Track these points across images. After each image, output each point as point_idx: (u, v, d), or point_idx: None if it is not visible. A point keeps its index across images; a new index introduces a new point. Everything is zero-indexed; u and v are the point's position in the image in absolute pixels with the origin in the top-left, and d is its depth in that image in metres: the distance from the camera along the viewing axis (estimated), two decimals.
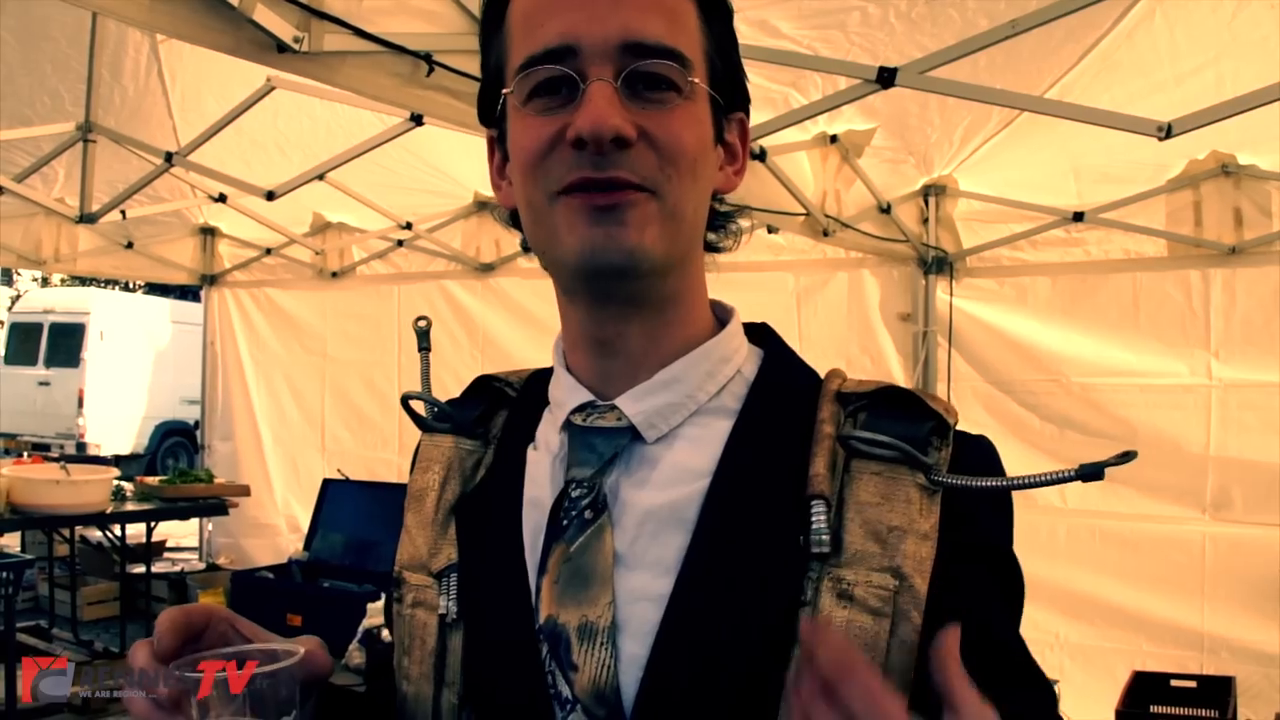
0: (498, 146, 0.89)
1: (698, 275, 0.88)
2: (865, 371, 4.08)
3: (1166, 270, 4.16)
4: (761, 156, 3.41)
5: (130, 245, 6.11)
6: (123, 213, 5.05)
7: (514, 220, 0.88)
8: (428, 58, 2.33)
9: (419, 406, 0.97)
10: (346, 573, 5.09)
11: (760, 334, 0.92)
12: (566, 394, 0.87)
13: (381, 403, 6.18)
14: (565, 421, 0.86)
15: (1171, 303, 4.16)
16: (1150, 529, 4.17)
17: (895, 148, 3.99)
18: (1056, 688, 3.60)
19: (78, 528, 6.16)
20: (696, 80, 0.80)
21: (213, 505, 5.94)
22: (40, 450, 11.97)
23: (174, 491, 5.75)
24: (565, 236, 0.79)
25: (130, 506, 5.58)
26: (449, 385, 1.03)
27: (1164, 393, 4.15)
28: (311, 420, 6.60)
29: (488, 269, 5.74)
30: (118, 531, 5.92)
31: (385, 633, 0.99)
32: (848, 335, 4.77)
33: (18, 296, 17.32)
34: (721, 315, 0.91)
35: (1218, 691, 3.72)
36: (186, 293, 14.24)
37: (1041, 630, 4.17)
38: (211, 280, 6.84)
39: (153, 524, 5.91)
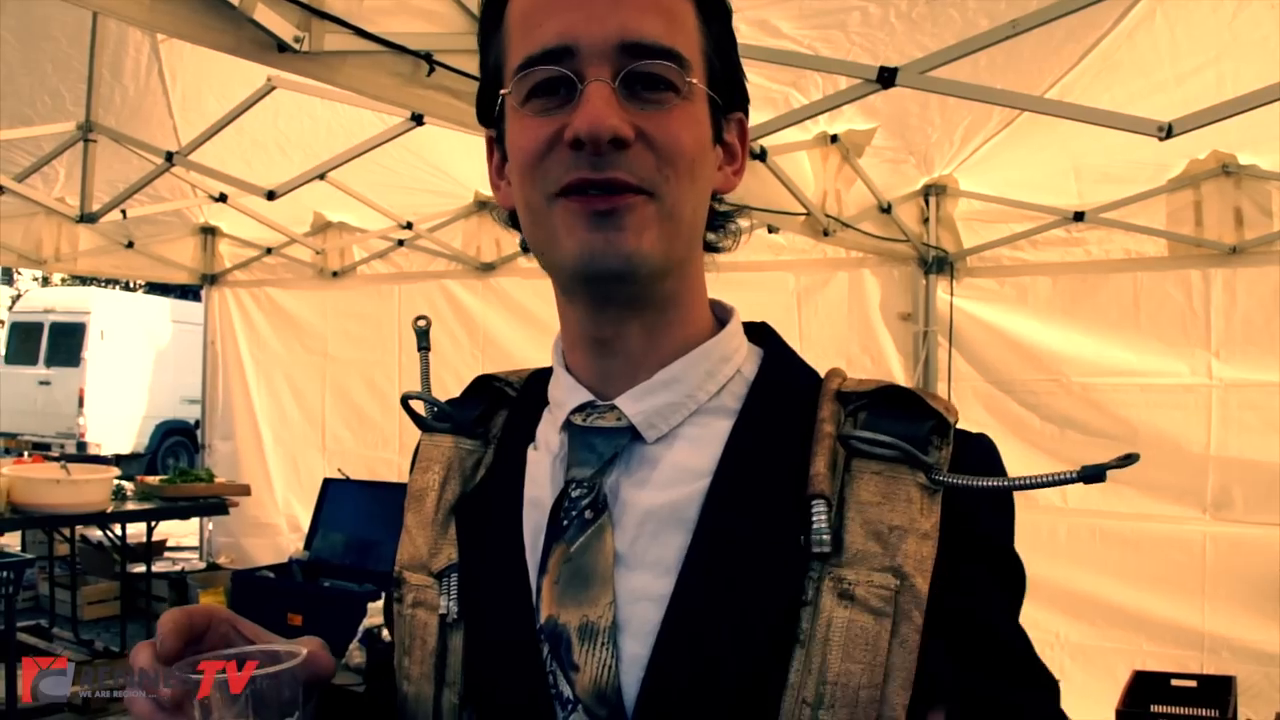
0: (496, 147, 0.89)
1: (697, 275, 0.88)
2: (866, 371, 4.08)
3: (1167, 270, 4.16)
4: (762, 156, 3.41)
5: (131, 245, 6.12)
6: (123, 212, 5.05)
7: (513, 220, 0.88)
8: (428, 57, 2.33)
9: (419, 406, 0.97)
10: (347, 572, 5.10)
11: (760, 333, 0.92)
12: (566, 394, 0.87)
13: (382, 402, 6.18)
14: (565, 421, 0.86)
15: (1172, 302, 4.15)
16: (1151, 528, 4.17)
17: (896, 147, 3.99)
18: None
19: (78, 527, 6.16)
20: (694, 81, 0.80)
21: (213, 505, 5.95)
22: (41, 450, 11.98)
23: (174, 491, 5.75)
24: (564, 240, 0.79)
25: (131, 506, 5.58)
26: (449, 385, 1.03)
27: (1165, 392, 4.15)
28: (312, 420, 6.60)
29: (488, 268, 5.74)
30: (118, 531, 5.93)
31: (385, 632, 0.99)
32: (848, 335, 4.77)
33: (18, 296, 17.34)
34: (721, 315, 0.91)
35: (1218, 691, 3.72)
36: (187, 292, 14.25)
37: (1042, 630, 4.17)
38: (212, 280, 6.84)
39: (153, 523, 5.91)
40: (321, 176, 4.51)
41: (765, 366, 0.89)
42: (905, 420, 0.81)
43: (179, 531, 7.97)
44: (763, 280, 4.72)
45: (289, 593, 5.00)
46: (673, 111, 0.79)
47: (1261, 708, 3.85)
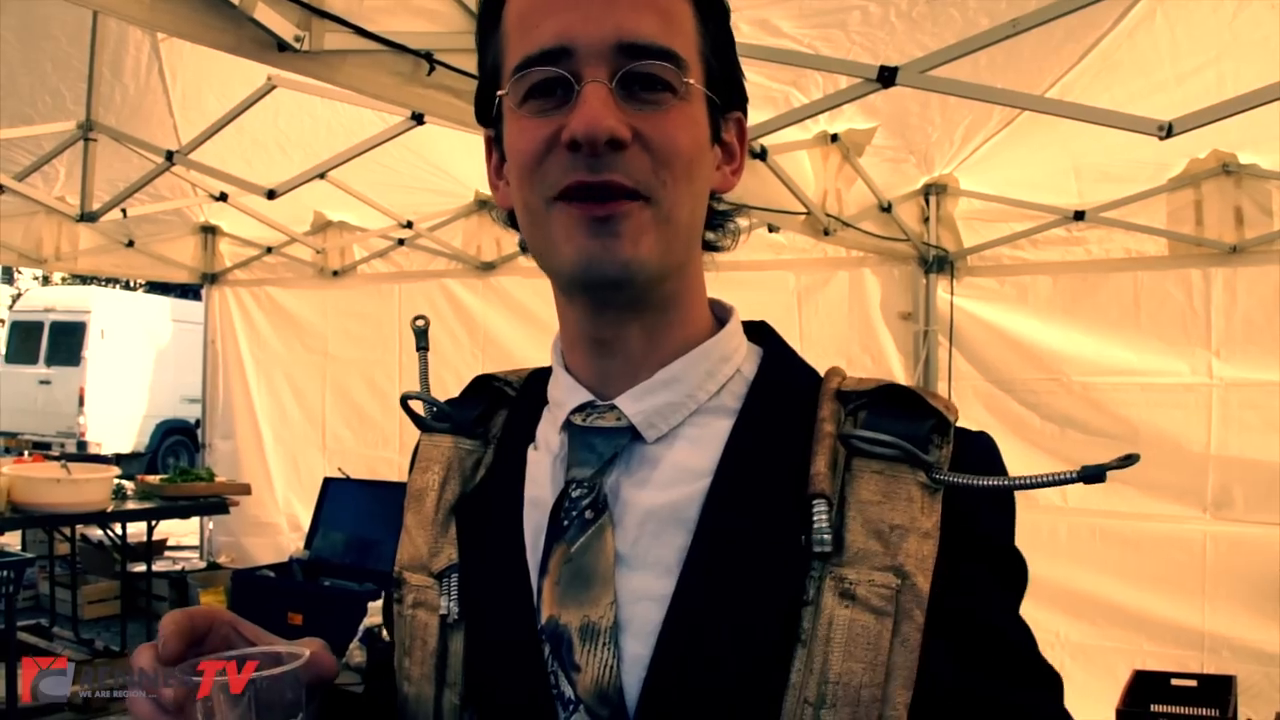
0: (495, 147, 0.89)
1: (696, 276, 0.88)
2: (866, 370, 4.08)
3: (1167, 269, 4.16)
4: (762, 155, 3.41)
5: (131, 244, 6.12)
6: (123, 211, 5.04)
7: (511, 220, 0.88)
8: (429, 56, 2.33)
9: (418, 406, 0.97)
10: (347, 571, 5.10)
11: (759, 332, 0.92)
12: (566, 394, 0.87)
13: (382, 401, 6.18)
14: (565, 421, 0.86)
15: (1172, 302, 4.15)
16: (1151, 528, 4.16)
17: (896, 147, 3.99)
18: None
19: (78, 526, 6.16)
20: (692, 81, 0.80)
21: (213, 504, 5.95)
22: (41, 449, 11.99)
23: (175, 490, 5.75)
24: (562, 245, 0.79)
25: (131, 505, 5.59)
26: (450, 384, 1.03)
27: (1165, 392, 4.14)
28: (312, 419, 6.60)
29: (489, 268, 5.74)
30: (118, 530, 5.93)
31: (385, 632, 0.99)
32: (849, 334, 4.76)
33: (18, 295, 17.35)
34: (720, 314, 0.91)
35: (1218, 691, 3.72)
36: (187, 291, 14.24)
37: (1042, 629, 4.09)
38: (212, 279, 6.84)
39: (153, 523, 5.92)
40: (322, 176, 4.51)
41: (765, 366, 0.89)
42: (905, 419, 0.81)
43: (179, 531, 7.97)
44: (763, 279, 4.72)
45: (289, 592, 4.99)
46: (670, 112, 0.79)
47: (1262, 707, 3.85)
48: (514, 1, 0.83)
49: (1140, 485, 4.10)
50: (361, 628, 4.01)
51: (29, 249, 5.66)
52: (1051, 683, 0.81)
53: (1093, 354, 4.28)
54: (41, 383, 13.45)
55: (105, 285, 16.08)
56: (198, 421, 8.65)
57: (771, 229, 4.12)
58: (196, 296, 10.16)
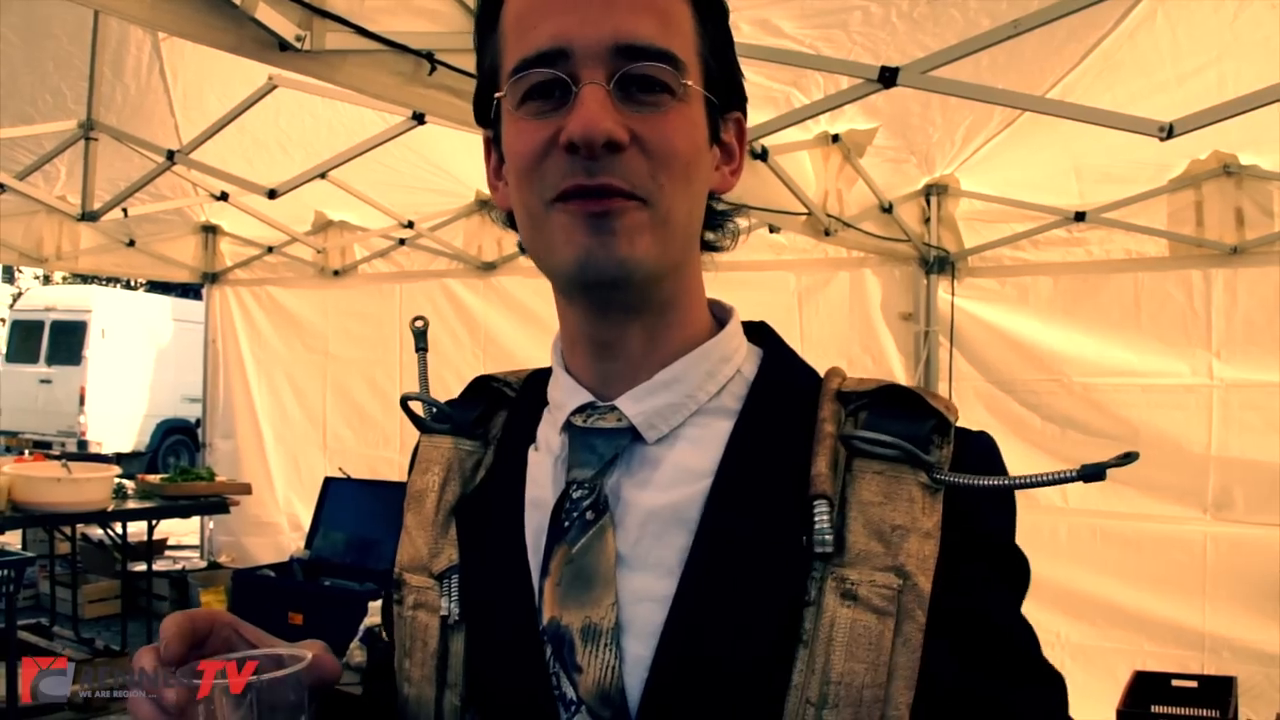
0: (493, 148, 0.88)
1: (695, 277, 0.88)
2: (867, 371, 4.08)
3: (1168, 270, 4.16)
4: (763, 156, 3.41)
5: (132, 243, 6.12)
6: (124, 210, 5.04)
7: (510, 221, 0.87)
8: (430, 56, 2.33)
9: (418, 407, 0.97)
10: (348, 571, 5.10)
11: (758, 333, 0.92)
12: (566, 395, 0.87)
13: (383, 401, 6.18)
14: (566, 422, 0.86)
15: (1173, 303, 4.15)
16: (1152, 529, 4.16)
17: (897, 147, 3.99)
18: None
19: (79, 525, 6.16)
20: (690, 83, 0.80)
21: (214, 503, 5.95)
22: (42, 448, 11.99)
23: (175, 490, 5.75)
24: (561, 246, 0.79)
25: (131, 504, 5.58)
26: (451, 384, 1.03)
27: (1166, 393, 4.14)
28: (313, 418, 6.60)
29: (489, 268, 5.74)
30: (119, 529, 5.93)
31: (385, 633, 0.99)
32: (849, 335, 4.76)
33: (19, 294, 17.35)
34: (720, 315, 0.90)
35: (1219, 691, 3.72)
36: (188, 291, 14.24)
37: (1042, 630, 4.05)
38: (213, 278, 6.84)
39: (154, 522, 5.91)
40: (323, 175, 4.51)
41: (765, 366, 0.89)
42: (906, 420, 0.81)
43: (180, 530, 7.97)
44: (764, 280, 4.72)
45: (290, 592, 4.99)
46: (668, 114, 0.79)
47: (1262, 708, 3.85)
48: (511, 2, 0.82)
49: (1141, 486, 4.10)
50: (362, 627, 4.01)
51: (30, 248, 5.66)
52: (1053, 681, 0.81)
53: (1093, 355, 4.28)
54: (42, 382, 13.46)
55: (106, 284, 16.09)
56: (198, 421, 8.65)
57: (772, 229, 4.12)
58: (197, 296, 10.16)
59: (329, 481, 5.73)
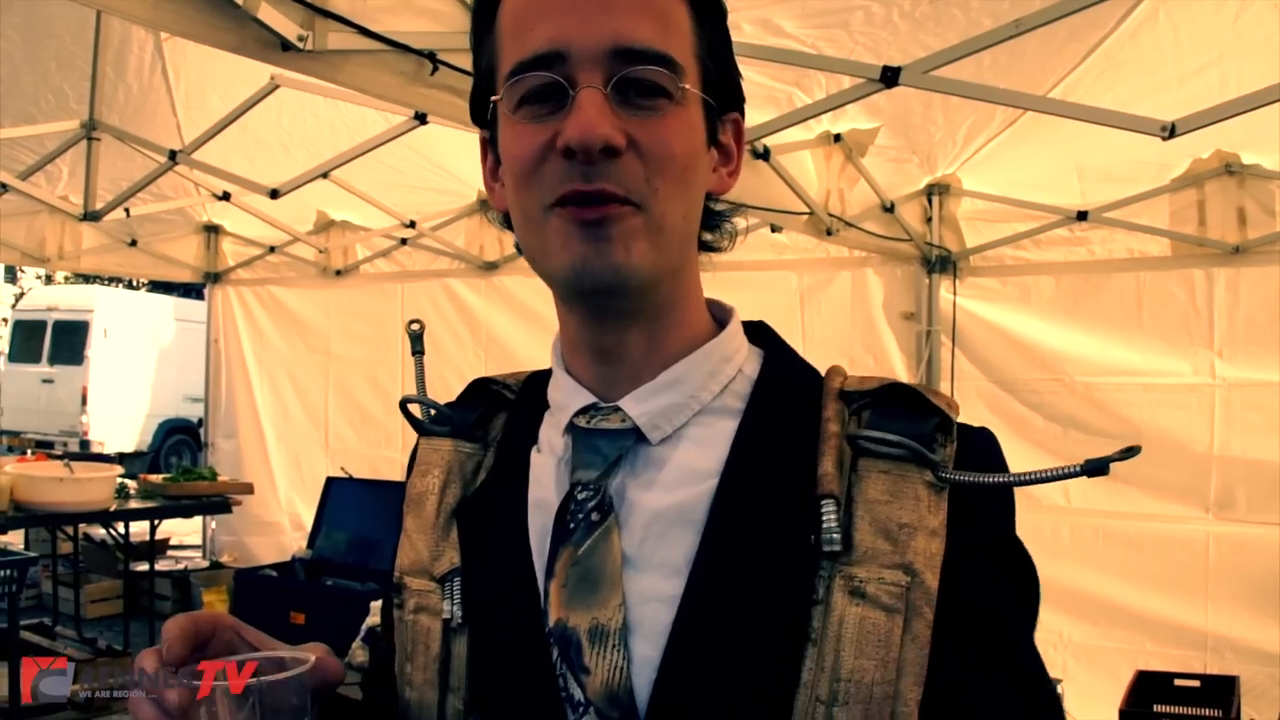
0: (490, 149, 0.88)
1: (693, 279, 0.87)
2: (869, 371, 4.07)
3: (1170, 269, 4.15)
4: (765, 155, 3.41)
5: (134, 243, 6.12)
6: (126, 210, 5.05)
7: (507, 222, 0.87)
8: (432, 56, 2.33)
9: (417, 410, 0.96)
10: (350, 571, 5.11)
11: (758, 332, 0.92)
12: (567, 396, 0.87)
13: (385, 401, 6.18)
14: (569, 424, 0.86)
15: (1175, 302, 4.15)
16: (1154, 528, 4.16)
17: (899, 147, 3.99)
18: (1060, 687, 3.61)
19: (81, 525, 6.17)
20: (688, 86, 0.79)
21: (216, 503, 5.95)
22: (44, 448, 11.99)
23: (177, 489, 5.75)
24: (558, 252, 0.78)
25: (134, 504, 5.59)
26: (453, 384, 1.03)
27: (1168, 392, 4.14)
28: (315, 418, 6.60)
29: (491, 267, 5.75)
30: (121, 529, 5.93)
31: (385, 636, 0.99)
32: (851, 334, 4.76)
33: (21, 294, 17.37)
34: (720, 315, 0.90)
35: (1221, 691, 3.72)
36: (190, 290, 14.24)
37: (1045, 629, 4.09)
38: (215, 278, 6.85)
39: (156, 522, 5.92)
40: (325, 175, 4.52)
41: (767, 366, 0.89)
42: (909, 418, 0.81)
43: (182, 530, 7.98)
44: (766, 280, 4.72)
45: (292, 591, 5.00)
46: (665, 118, 0.78)
47: (1265, 708, 3.85)
48: (508, 3, 0.82)
49: (1143, 485, 4.10)
50: (364, 627, 4.01)
51: (32, 248, 5.66)
52: (1050, 691, 0.82)
53: (1095, 354, 4.28)
54: (44, 382, 13.47)
55: (108, 284, 16.09)
56: (200, 421, 8.66)
57: (774, 229, 4.12)
58: (199, 296, 10.17)
59: (331, 481, 5.74)
